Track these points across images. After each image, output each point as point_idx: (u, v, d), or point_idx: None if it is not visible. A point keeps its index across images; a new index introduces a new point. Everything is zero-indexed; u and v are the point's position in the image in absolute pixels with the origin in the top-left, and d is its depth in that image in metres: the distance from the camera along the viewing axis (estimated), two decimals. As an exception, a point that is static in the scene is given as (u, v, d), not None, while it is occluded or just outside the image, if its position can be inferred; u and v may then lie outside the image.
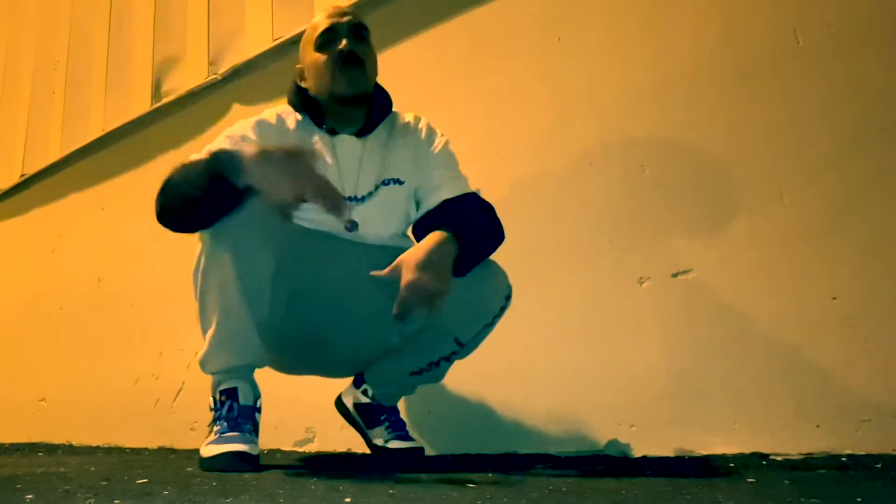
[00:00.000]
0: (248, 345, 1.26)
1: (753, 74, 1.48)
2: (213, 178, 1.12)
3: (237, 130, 1.35)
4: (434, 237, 1.21)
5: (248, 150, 1.10)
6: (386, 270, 1.19)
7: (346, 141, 1.39)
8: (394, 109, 1.49)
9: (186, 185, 1.16)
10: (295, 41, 2.35)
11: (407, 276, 1.15)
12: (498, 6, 1.92)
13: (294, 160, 1.08)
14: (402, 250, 1.23)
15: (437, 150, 1.43)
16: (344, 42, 1.36)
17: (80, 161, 3.23)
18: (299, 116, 1.42)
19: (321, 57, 1.37)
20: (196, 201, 1.16)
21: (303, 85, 1.43)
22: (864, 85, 1.35)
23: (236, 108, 2.54)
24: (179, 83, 2.81)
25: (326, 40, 1.37)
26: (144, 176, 2.87)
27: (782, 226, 1.39)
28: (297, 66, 1.45)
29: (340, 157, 1.38)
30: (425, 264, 1.16)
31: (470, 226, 1.28)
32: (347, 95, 1.36)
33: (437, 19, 2.03)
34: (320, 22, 1.40)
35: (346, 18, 1.39)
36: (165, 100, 2.83)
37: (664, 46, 1.61)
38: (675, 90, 1.57)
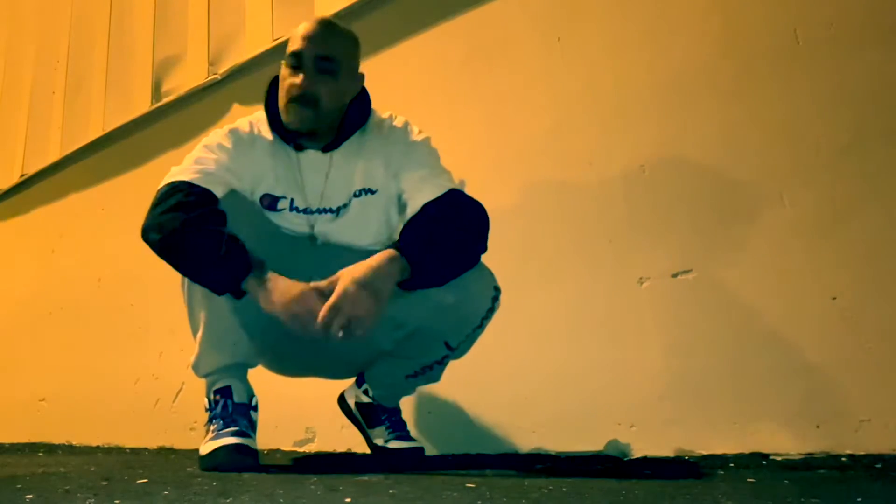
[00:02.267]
0: (237, 344, 1.28)
1: (753, 75, 1.48)
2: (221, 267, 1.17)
3: (213, 139, 1.35)
4: (382, 255, 1.18)
5: (260, 292, 1.17)
6: (325, 282, 1.16)
7: (311, 156, 1.37)
8: (377, 109, 1.45)
9: (186, 262, 1.22)
10: (295, 41, 2.36)
11: (337, 293, 1.13)
12: (497, 7, 1.92)
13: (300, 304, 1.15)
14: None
15: (413, 152, 1.37)
16: (300, 78, 1.31)
17: (80, 161, 3.23)
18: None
19: (285, 77, 1.34)
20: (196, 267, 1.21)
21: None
22: (864, 85, 1.35)
23: (236, 108, 2.54)
24: (179, 83, 2.81)
25: (292, 64, 1.33)
26: (144, 176, 2.87)
27: (782, 226, 1.39)
28: (283, 61, 1.41)
29: (304, 173, 1.36)
30: (357, 288, 1.13)
31: (430, 243, 1.21)
32: (291, 130, 1.34)
33: (437, 20, 2.03)
34: (295, 37, 1.35)
35: (314, 48, 1.32)
36: (165, 100, 2.83)
37: (664, 46, 1.61)
38: (675, 90, 1.57)
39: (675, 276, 1.50)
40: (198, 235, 1.19)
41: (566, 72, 1.75)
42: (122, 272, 2.82)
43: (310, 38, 1.33)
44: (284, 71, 1.35)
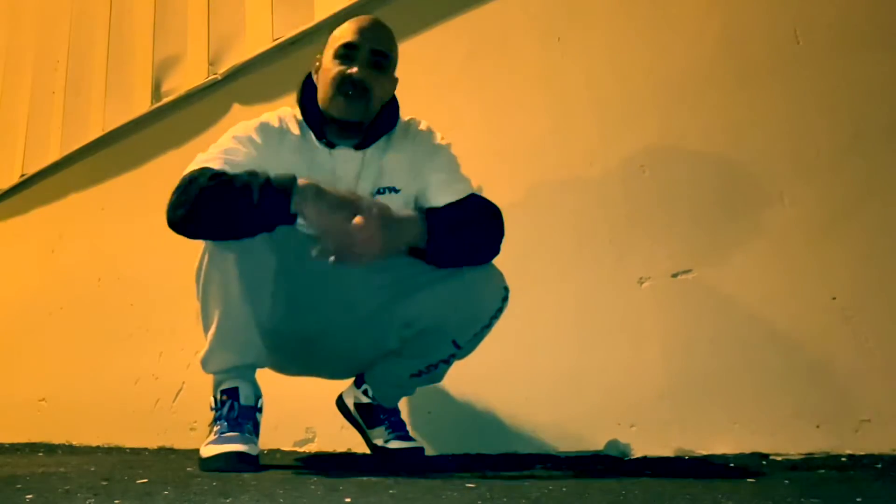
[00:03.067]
0: (249, 344, 1.27)
1: (753, 75, 1.48)
2: (265, 197, 1.15)
3: (242, 132, 1.34)
4: (410, 212, 1.24)
5: (305, 183, 1.16)
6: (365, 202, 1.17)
7: (344, 154, 1.37)
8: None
9: (233, 199, 1.17)
10: (295, 41, 2.36)
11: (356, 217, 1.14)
12: (497, 7, 1.92)
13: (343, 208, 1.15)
14: (401, 258, 1.23)
15: (436, 155, 1.40)
16: (357, 68, 1.32)
17: (80, 161, 3.23)
18: (300, 117, 1.41)
19: (334, 68, 1.34)
20: (242, 216, 1.18)
21: (315, 80, 1.41)
22: (864, 85, 1.35)
23: (236, 108, 2.54)
24: (179, 83, 2.81)
25: (344, 55, 1.34)
26: (144, 176, 2.87)
27: (782, 226, 1.39)
28: (318, 55, 1.42)
29: (338, 171, 1.36)
30: (385, 211, 1.17)
31: (451, 223, 1.26)
32: (340, 120, 1.35)
33: (437, 19, 2.03)
34: (348, 29, 1.36)
35: (371, 41, 1.34)
36: (165, 100, 2.83)
37: (664, 46, 1.61)
38: (675, 90, 1.57)
39: (675, 276, 1.50)
40: (223, 186, 1.17)
41: (566, 72, 1.75)
42: (122, 272, 2.82)
43: (365, 32, 1.35)
44: (331, 63, 1.35)
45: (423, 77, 2.02)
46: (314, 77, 1.41)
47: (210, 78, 2.65)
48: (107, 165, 3.07)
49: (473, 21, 1.96)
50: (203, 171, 1.21)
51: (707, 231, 1.49)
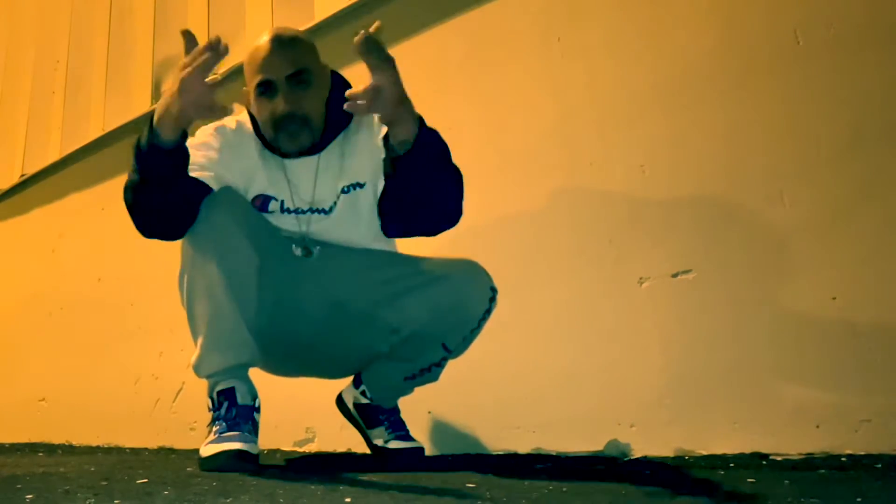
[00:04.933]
0: (241, 344, 1.26)
1: (753, 75, 1.48)
2: (151, 157, 1.15)
3: (199, 138, 1.35)
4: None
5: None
6: (361, 88, 1.14)
7: (298, 162, 1.36)
8: None
9: (137, 182, 1.19)
10: (295, 41, 2.35)
11: (379, 84, 1.13)
12: (497, 6, 1.92)
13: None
14: (384, 252, 1.23)
15: None
16: (281, 103, 1.29)
17: (80, 161, 3.23)
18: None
19: (261, 108, 1.32)
20: (152, 193, 1.19)
21: (250, 111, 1.39)
22: (864, 85, 1.35)
23: (236, 108, 2.53)
24: (179, 83, 2.80)
25: (263, 92, 1.31)
26: (144, 176, 2.86)
27: (782, 226, 1.39)
28: (244, 88, 1.37)
29: (293, 180, 1.36)
30: (401, 94, 1.16)
31: (435, 150, 1.24)
32: (291, 153, 1.34)
33: (437, 19, 2.03)
34: (255, 66, 1.31)
35: (282, 69, 1.29)
36: (165, 100, 2.82)
37: (664, 46, 1.61)
38: (675, 90, 1.57)
39: (675, 276, 1.50)
40: (130, 177, 1.20)
41: (566, 72, 1.75)
42: (122, 272, 2.82)
43: (271, 62, 1.29)
44: (255, 100, 1.32)
45: (423, 77, 2.02)
46: (248, 108, 1.39)
47: (210, 78, 2.64)
48: (107, 165, 3.07)
49: (473, 21, 1.96)
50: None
51: (707, 231, 1.49)
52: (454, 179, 1.29)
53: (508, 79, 1.85)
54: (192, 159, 1.26)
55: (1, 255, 3.65)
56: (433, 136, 1.23)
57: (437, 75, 2.00)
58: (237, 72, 2.55)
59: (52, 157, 3.37)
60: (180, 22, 2.89)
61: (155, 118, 1.16)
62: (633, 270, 1.55)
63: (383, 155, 1.25)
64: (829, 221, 1.35)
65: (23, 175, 3.55)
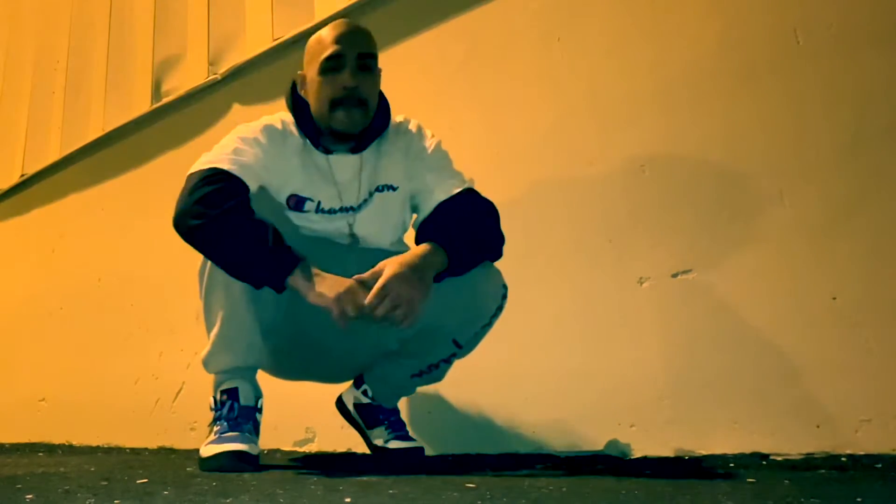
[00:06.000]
0: (252, 346, 1.27)
1: (753, 74, 1.48)
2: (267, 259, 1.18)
3: (248, 133, 1.34)
4: (422, 248, 1.22)
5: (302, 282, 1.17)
6: (368, 273, 1.18)
7: (343, 159, 1.38)
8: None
9: (229, 250, 1.20)
10: (295, 41, 2.36)
11: (384, 277, 1.15)
12: (497, 6, 1.92)
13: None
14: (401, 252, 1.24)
15: (428, 152, 1.41)
16: (348, 77, 1.31)
17: (80, 161, 3.23)
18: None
19: (325, 82, 1.33)
20: (242, 265, 1.20)
21: (302, 94, 1.40)
22: (864, 85, 1.35)
23: (236, 108, 2.54)
24: (179, 83, 2.81)
25: (331, 67, 1.32)
26: (144, 176, 2.87)
27: (782, 226, 1.39)
28: (300, 72, 1.40)
29: (338, 177, 1.37)
30: (405, 272, 1.16)
31: (460, 235, 1.27)
32: (345, 133, 1.35)
33: (437, 20, 2.03)
34: (328, 41, 1.34)
35: (354, 47, 1.33)
36: (165, 100, 2.83)
37: (664, 46, 1.61)
38: (675, 90, 1.57)
39: (675, 276, 1.50)
40: (243, 225, 1.18)
41: (566, 72, 1.75)
42: (122, 272, 2.82)
43: (346, 38, 1.34)
44: (319, 76, 1.34)
45: (423, 77, 2.02)
46: (300, 91, 1.40)
47: (210, 78, 2.65)
48: (107, 165, 3.07)
49: (473, 21, 1.96)
50: (212, 180, 1.21)
51: (707, 231, 1.49)
52: (492, 233, 1.34)
53: (508, 79, 1.86)
54: (239, 155, 1.27)
55: (1, 255, 3.65)
56: (464, 240, 1.28)
57: (437, 75, 2.00)
58: (237, 71, 2.56)
59: (52, 157, 3.37)
60: (180, 22, 2.89)
61: (304, 284, 1.17)
62: (633, 270, 1.55)
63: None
64: (829, 221, 1.35)
65: (23, 175, 3.55)
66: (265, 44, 2.46)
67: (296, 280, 1.17)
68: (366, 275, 1.18)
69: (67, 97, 3.44)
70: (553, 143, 1.74)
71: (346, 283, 1.17)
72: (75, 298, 3.04)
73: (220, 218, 1.18)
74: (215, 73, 2.63)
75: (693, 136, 1.54)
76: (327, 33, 1.36)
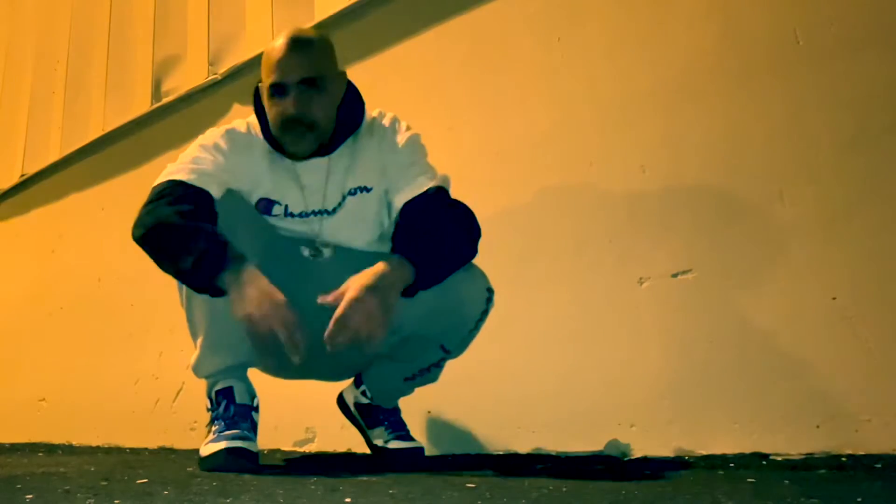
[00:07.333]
0: (239, 344, 1.26)
1: (753, 74, 1.48)
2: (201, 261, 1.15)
3: (208, 139, 1.33)
4: (387, 264, 1.17)
5: (237, 296, 1.13)
6: (331, 297, 1.14)
7: (310, 164, 1.35)
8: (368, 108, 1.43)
9: (175, 250, 1.19)
10: (295, 41, 2.35)
11: (344, 303, 1.12)
12: (497, 6, 1.92)
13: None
14: (382, 256, 1.23)
15: (399, 146, 1.36)
16: (290, 106, 1.27)
17: (80, 161, 3.23)
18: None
19: (271, 107, 1.30)
20: (178, 269, 1.20)
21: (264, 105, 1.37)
22: (865, 85, 1.35)
23: (236, 108, 2.54)
24: (179, 83, 2.81)
25: (275, 93, 1.29)
26: (144, 176, 2.85)
27: (782, 226, 1.39)
28: (259, 83, 1.36)
29: (304, 181, 1.35)
30: (365, 295, 1.12)
31: (427, 246, 1.22)
32: (296, 155, 1.33)
33: (437, 20, 2.03)
34: (271, 64, 1.29)
35: (296, 72, 1.27)
36: (165, 100, 2.83)
37: (664, 46, 1.61)
38: (675, 90, 1.57)
39: (675, 276, 1.50)
40: (178, 230, 1.18)
41: (566, 72, 1.75)
42: (122, 272, 2.82)
43: (287, 64, 1.27)
44: (268, 100, 1.31)
45: (423, 77, 2.02)
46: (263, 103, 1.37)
47: (210, 78, 2.65)
48: (107, 165, 3.07)
49: (473, 21, 1.96)
50: (167, 191, 1.23)
51: (707, 231, 1.49)
52: (466, 246, 1.29)
53: (508, 79, 1.85)
54: (198, 164, 1.27)
55: (1, 255, 3.65)
56: (430, 251, 1.22)
57: (438, 75, 2.00)
58: (237, 72, 2.56)
59: (52, 157, 3.37)
60: (180, 22, 2.89)
61: (230, 288, 1.14)
62: (633, 270, 1.55)
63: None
64: (829, 221, 1.35)
65: (23, 175, 3.55)
66: (265, 44, 2.44)
67: (226, 281, 1.14)
68: (329, 297, 1.14)
69: (67, 97, 3.43)
70: (553, 143, 1.74)
71: (268, 300, 1.12)
72: (75, 298, 3.04)
73: (158, 226, 1.19)
74: (215, 73, 2.63)
75: (693, 136, 1.54)
76: (274, 54, 1.29)
